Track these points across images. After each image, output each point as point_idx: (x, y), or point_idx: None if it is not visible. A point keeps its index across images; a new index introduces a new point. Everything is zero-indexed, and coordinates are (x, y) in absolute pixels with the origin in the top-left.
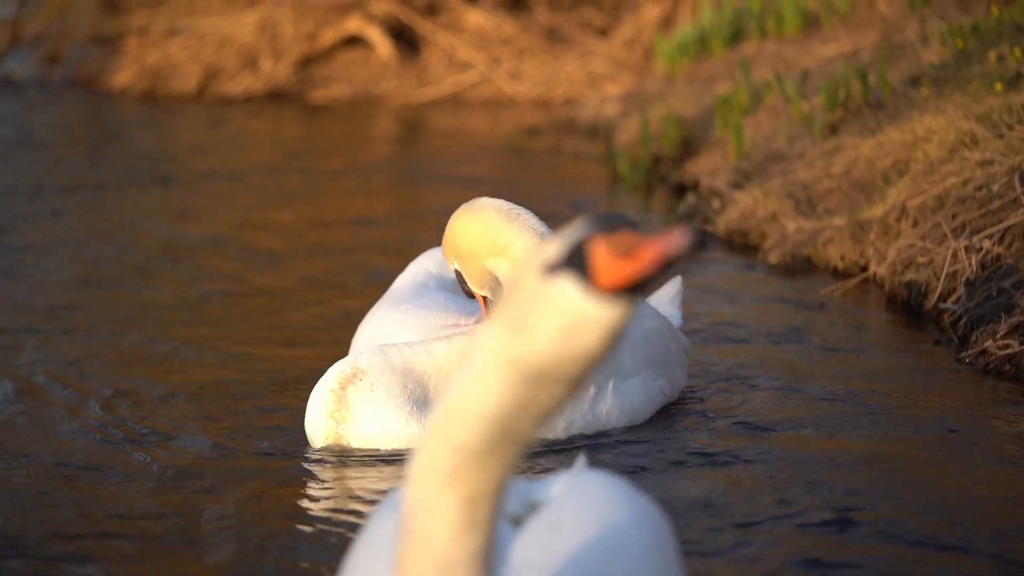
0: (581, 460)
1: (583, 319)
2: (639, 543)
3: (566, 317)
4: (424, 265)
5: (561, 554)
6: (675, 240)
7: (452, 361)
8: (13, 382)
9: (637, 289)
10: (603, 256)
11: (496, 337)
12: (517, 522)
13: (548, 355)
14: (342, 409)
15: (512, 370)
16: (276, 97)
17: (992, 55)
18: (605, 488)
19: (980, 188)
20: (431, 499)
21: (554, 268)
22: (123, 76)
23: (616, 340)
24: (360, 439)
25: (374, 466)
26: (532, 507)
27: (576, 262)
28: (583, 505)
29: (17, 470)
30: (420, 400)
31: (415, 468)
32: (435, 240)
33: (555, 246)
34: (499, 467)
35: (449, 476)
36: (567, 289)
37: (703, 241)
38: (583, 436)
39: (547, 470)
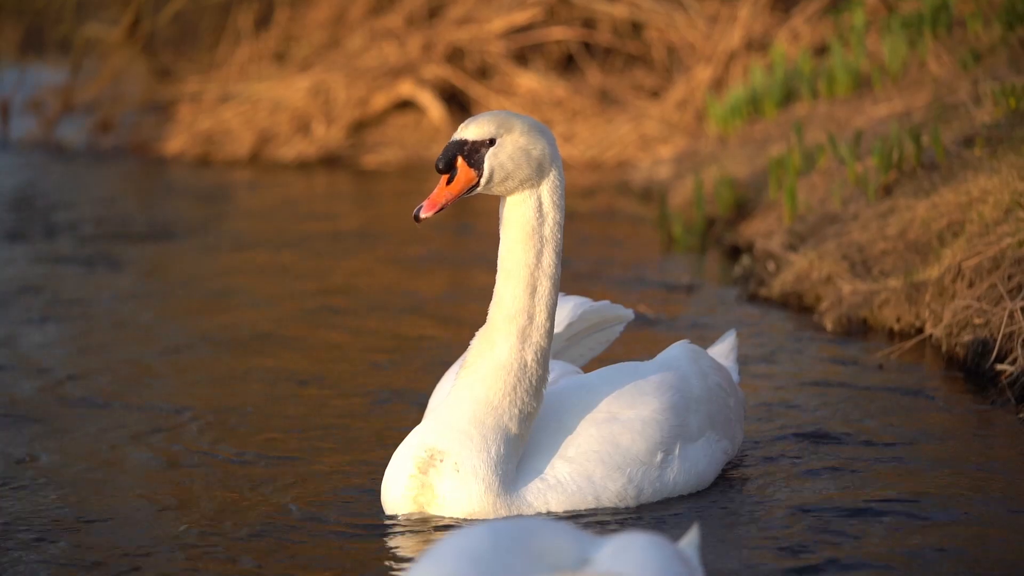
0: (694, 531)
1: None
2: None
3: None
4: None
5: None
6: None
7: (487, 377)
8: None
9: None
10: None
11: None
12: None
13: None
14: (426, 493)
15: None
16: (328, 162)
17: None
18: (645, 552)
19: None
20: None
21: None
22: (176, 142)
23: None
24: (444, 516)
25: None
26: (583, 564)
27: None
28: (618, 568)
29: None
30: (505, 455)
31: None
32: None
33: None
34: None
35: None
36: None
37: None
38: (652, 504)
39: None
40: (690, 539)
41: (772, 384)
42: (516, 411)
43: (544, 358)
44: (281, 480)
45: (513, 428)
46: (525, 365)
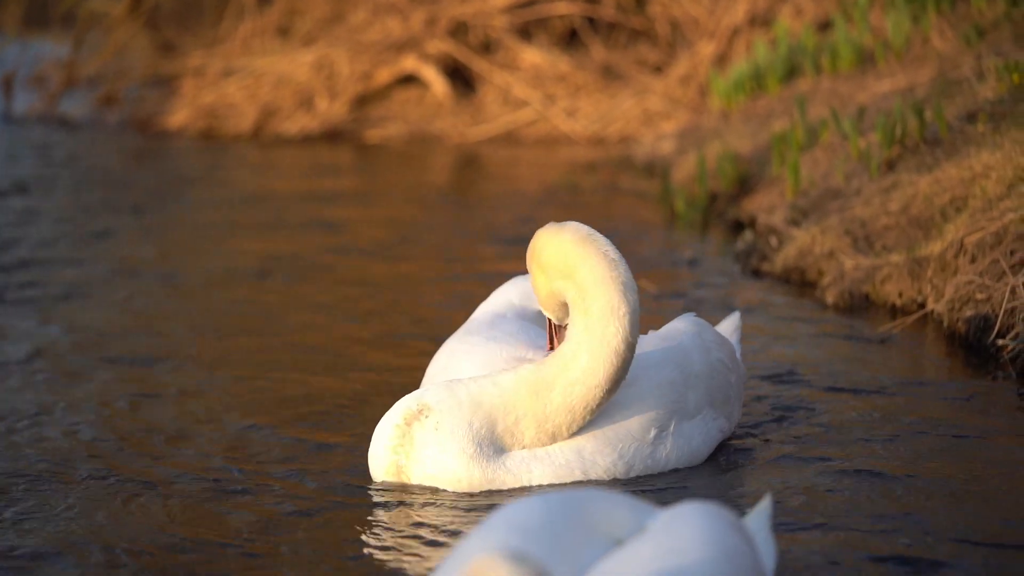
0: (767, 500)
1: None
2: None
3: None
4: (507, 294)
5: None
6: None
7: (520, 391)
8: (87, 408)
9: None
10: None
11: None
12: (620, 544)
13: None
14: (405, 445)
15: None
16: (332, 136)
17: None
18: (699, 522)
19: None
20: None
21: None
22: (179, 116)
23: None
24: (421, 477)
25: (433, 504)
26: (639, 533)
27: None
28: (667, 538)
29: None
30: (485, 439)
31: None
32: (491, 278)
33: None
34: None
35: None
36: None
37: None
38: (644, 478)
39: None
40: (762, 508)
41: (772, 359)
42: (514, 432)
43: (571, 424)
44: (257, 443)
45: (503, 439)
46: (564, 410)
